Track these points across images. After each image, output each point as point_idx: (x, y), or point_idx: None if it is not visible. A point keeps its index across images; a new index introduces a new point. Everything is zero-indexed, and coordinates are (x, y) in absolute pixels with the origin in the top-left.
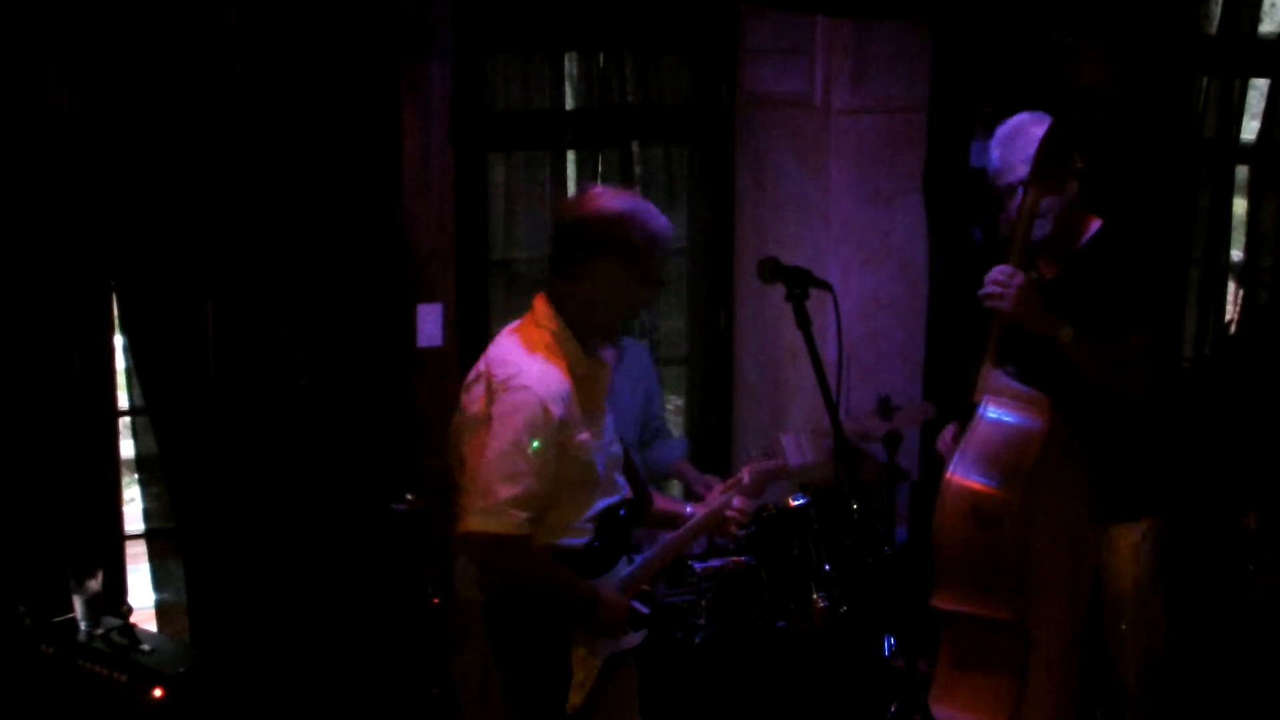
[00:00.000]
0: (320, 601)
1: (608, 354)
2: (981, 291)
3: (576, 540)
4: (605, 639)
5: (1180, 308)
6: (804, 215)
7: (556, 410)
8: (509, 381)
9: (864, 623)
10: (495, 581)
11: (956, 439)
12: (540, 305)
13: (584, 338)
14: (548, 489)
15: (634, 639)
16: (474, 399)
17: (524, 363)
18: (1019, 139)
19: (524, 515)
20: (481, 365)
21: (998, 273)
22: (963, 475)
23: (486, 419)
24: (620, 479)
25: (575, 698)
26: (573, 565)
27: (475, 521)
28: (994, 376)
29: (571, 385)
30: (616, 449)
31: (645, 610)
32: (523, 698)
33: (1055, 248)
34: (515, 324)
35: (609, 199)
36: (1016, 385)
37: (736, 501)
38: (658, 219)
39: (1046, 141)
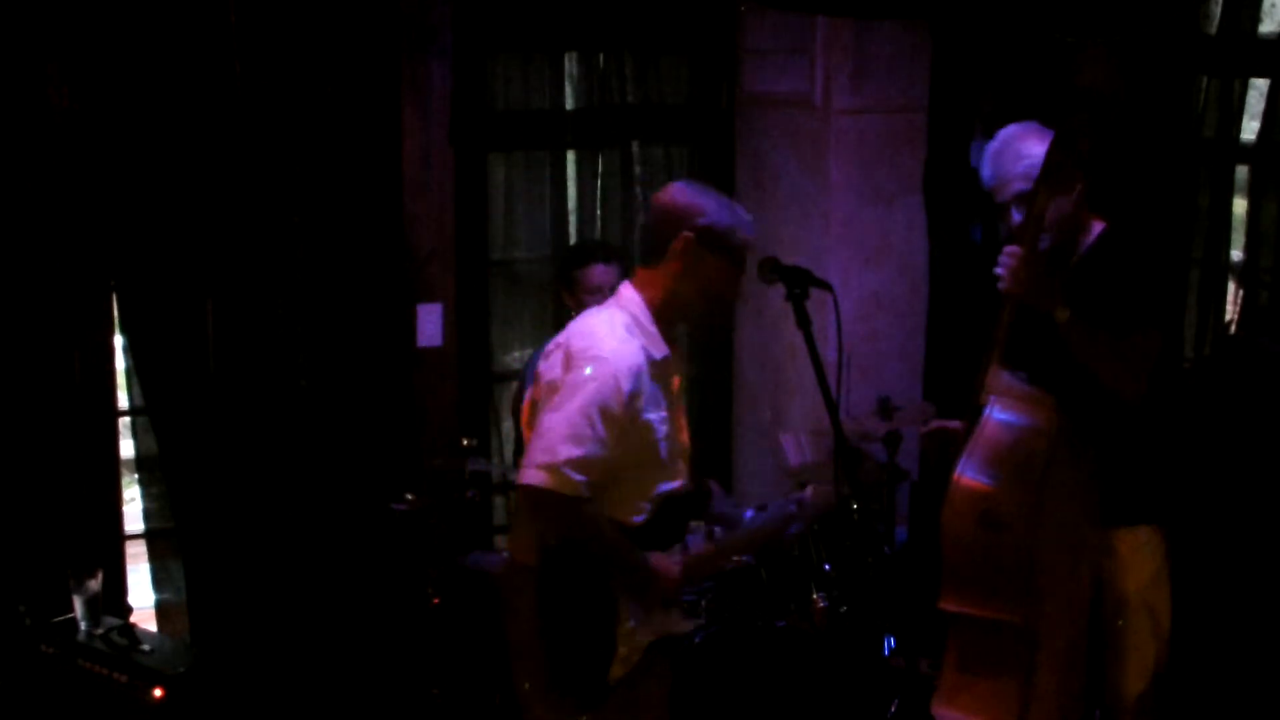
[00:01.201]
0: (320, 601)
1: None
2: (997, 270)
3: (635, 519)
4: (653, 617)
5: (1182, 308)
6: (804, 215)
7: (627, 384)
8: (586, 351)
9: (864, 623)
10: (551, 540)
11: (963, 439)
12: (626, 290)
13: (666, 324)
14: (612, 459)
15: (683, 625)
16: (552, 366)
17: (603, 336)
18: (1007, 153)
19: (583, 478)
20: (562, 337)
21: (1006, 254)
22: (971, 477)
23: (561, 384)
24: (682, 467)
25: (618, 670)
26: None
27: (534, 475)
28: (1001, 377)
29: (646, 364)
30: (685, 439)
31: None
32: (565, 663)
33: (1061, 250)
34: (599, 306)
35: (690, 189)
36: (1023, 386)
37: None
38: (736, 208)
39: (1056, 144)
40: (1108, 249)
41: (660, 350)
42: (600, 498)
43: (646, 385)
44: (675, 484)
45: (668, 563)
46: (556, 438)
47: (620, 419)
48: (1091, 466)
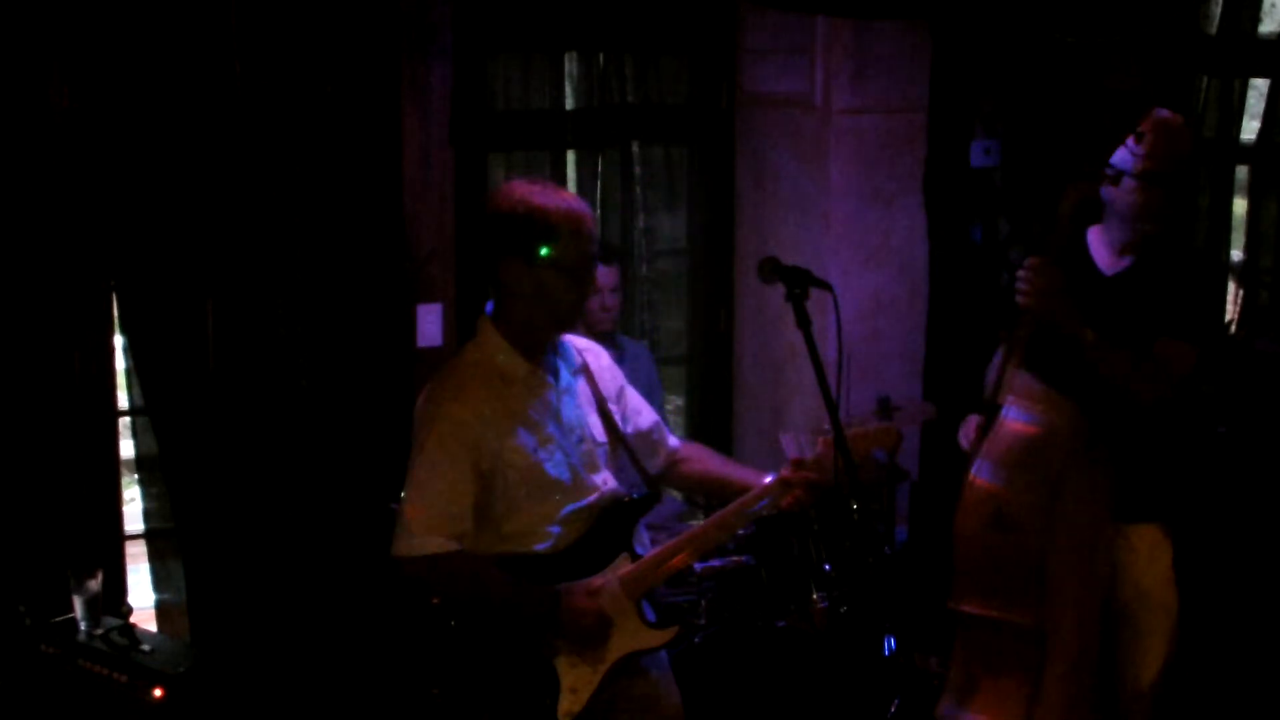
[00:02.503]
0: (320, 601)
1: (602, 354)
2: (1018, 285)
3: (544, 545)
4: (585, 644)
5: (1222, 321)
6: (804, 215)
7: (467, 423)
8: (424, 405)
9: (864, 623)
10: (437, 598)
11: (979, 438)
12: (481, 317)
13: (522, 346)
14: (465, 504)
15: (654, 637)
16: (416, 424)
17: (442, 383)
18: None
19: (435, 534)
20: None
21: (1028, 266)
22: (986, 478)
23: (415, 443)
24: (597, 478)
25: (567, 704)
26: (547, 570)
27: (394, 545)
28: (1020, 378)
29: (496, 394)
30: (587, 446)
31: (652, 617)
32: (505, 709)
33: (1121, 245)
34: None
35: (502, 196)
36: (1041, 387)
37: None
38: (556, 203)
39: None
40: (1145, 264)
41: (522, 374)
42: (488, 538)
43: (502, 419)
44: (589, 499)
45: (576, 593)
46: (405, 500)
47: (466, 458)
48: (1107, 467)
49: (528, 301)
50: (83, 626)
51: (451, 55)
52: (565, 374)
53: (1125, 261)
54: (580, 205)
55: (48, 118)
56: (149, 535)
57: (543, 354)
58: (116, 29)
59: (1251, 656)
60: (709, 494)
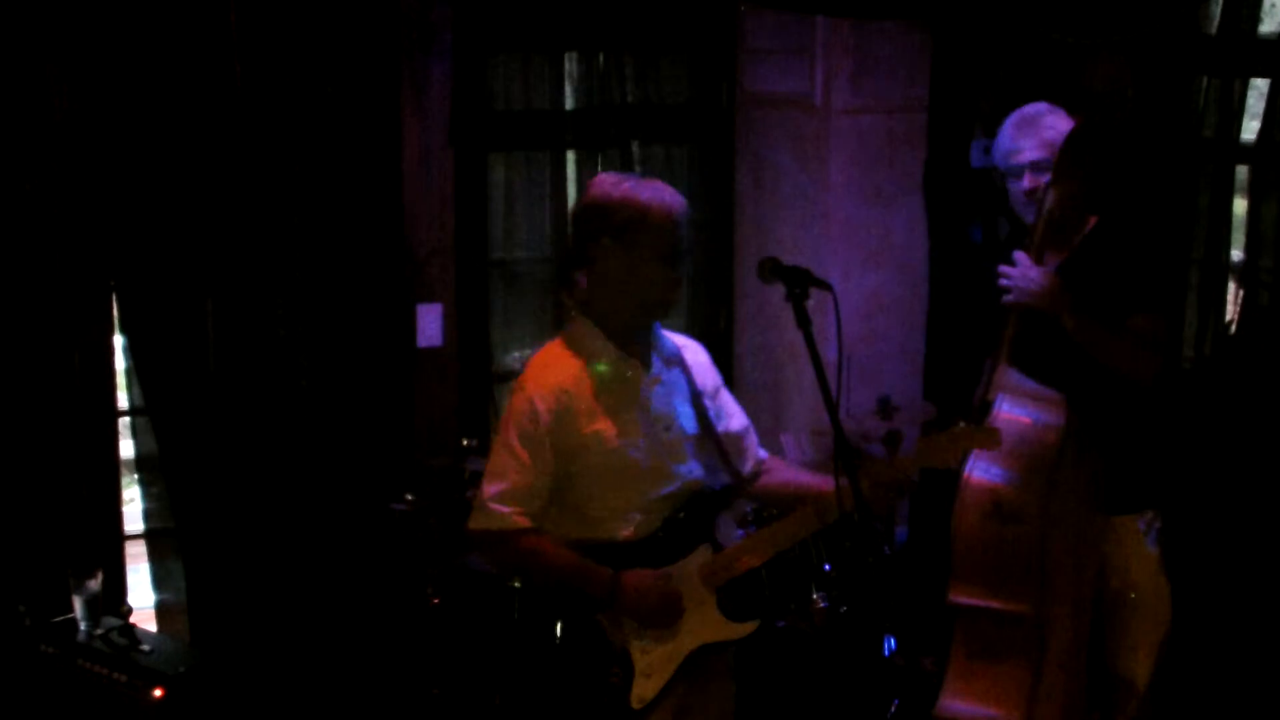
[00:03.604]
0: (320, 601)
1: (700, 350)
2: (1001, 283)
3: (625, 531)
4: (653, 625)
5: (1181, 299)
6: (804, 215)
7: (547, 405)
8: (514, 384)
9: (864, 623)
10: (505, 575)
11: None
12: (573, 303)
13: (613, 332)
14: (543, 483)
15: (733, 630)
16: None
17: (533, 363)
18: (1037, 124)
19: (509, 510)
20: None
21: (1015, 264)
22: (982, 473)
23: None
24: (682, 467)
25: (640, 689)
26: (628, 556)
27: (469, 519)
28: (1009, 374)
29: (582, 378)
30: (674, 436)
31: (731, 610)
32: (576, 689)
33: (1059, 236)
34: None
35: (598, 185)
36: (1030, 383)
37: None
38: (652, 193)
39: (1070, 143)
40: (1103, 238)
41: (610, 360)
42: (571, 522)
43: (583, 401)
44: (671, 487)
45: (640, 579)
46: (485, 476)
47: (545, 439)
48: (1097, 462)
49: (619, 287)
50: (83, 626)
51: (451, 55)
52: (658, 364)
53: (1064, 252)
54: (675, 196)
55: (47, 118)
56: (149, 535)
57: (634, 342)
58: (116, 29)
59: (1248, 648)
60: (787, 504)
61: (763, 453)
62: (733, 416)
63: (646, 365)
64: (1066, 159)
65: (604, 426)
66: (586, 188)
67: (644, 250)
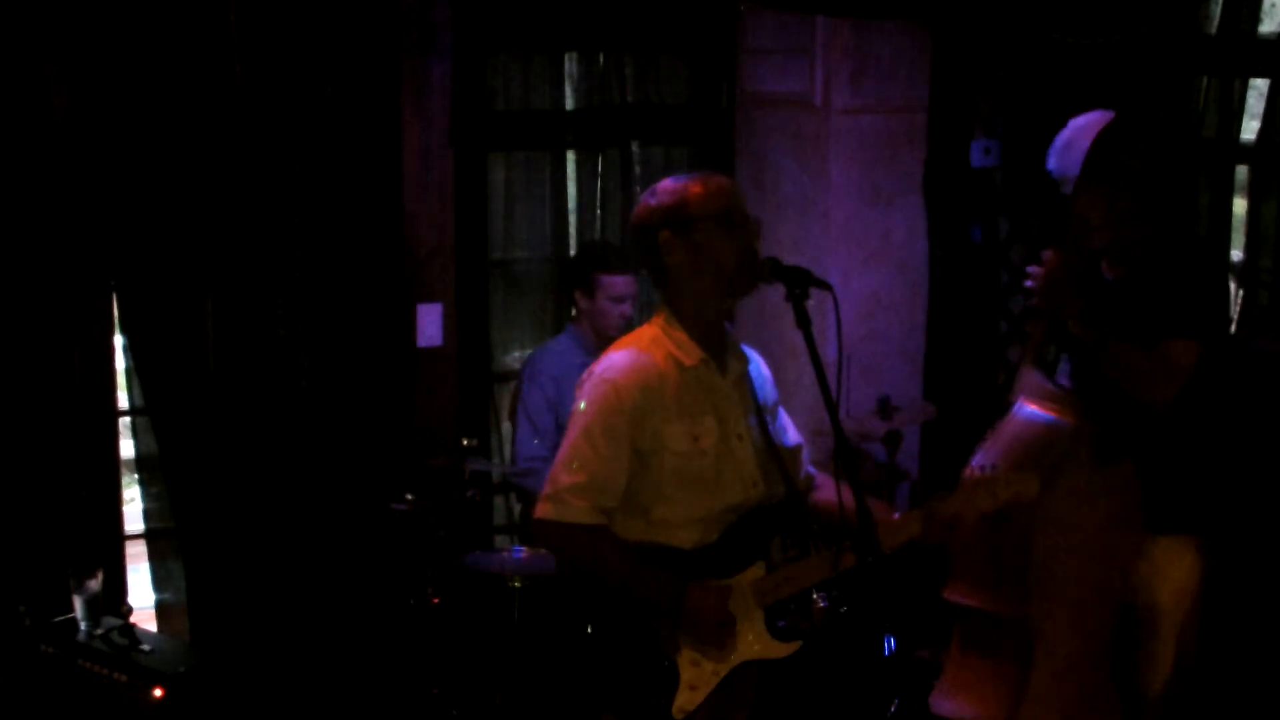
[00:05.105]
0: (320, 601)
1: (764, 364)
2: (1027, 284)
3: (687, 537)
4: (707, 642)
5: (1227, 324)
6: (804, 215)
7: (632, 399)
8: (595, 372)
9: (864, 622)
10: (567, 569)
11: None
12: (660, 307)
13: (697, 333)
14: (617, 480)
15: (777, 649)
16: (578, 394)
17: (615, 354)
18: (1077, 143)
19: (585, 503)
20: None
21: (1045, 260)
22: (980, 470)
23: (574, 411)
24: (748, 479)
25: (683, 700)
26: (685, 565)
27: (539, 508)
28: (1031, 376)
29: (666, 376)
30: (743, 446)
31: (781, 623)
32: (621, 692)
33: (1118, 251)
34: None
35: (638, 204)
36: (1051, 386)
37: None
38: (688, 177)
39: (1100, 143)
40: (1155, 256)
41: (694, 360)
42: (636, 524)
43: (667, 398)
44: (737, 498)
45: (703, 593)
46: (559, 466)
47: (626, 434)
48: (1126, 474)
49: (691, 271)
50: (83, 626)
51: (451, 55)
52: (735, 370)
53: (1119, 269)
54: (715, 174)
55: (47, 118)
56: (149, 535)
57: (716, 344)
58: (116, 28)
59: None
60: (834, 522)
61: (812, 469)
62: (787, 431)
63: (724, 371)
64: (1097, 161)
65: (682, 429)
66: (640, 200)
67: (700, 225)
